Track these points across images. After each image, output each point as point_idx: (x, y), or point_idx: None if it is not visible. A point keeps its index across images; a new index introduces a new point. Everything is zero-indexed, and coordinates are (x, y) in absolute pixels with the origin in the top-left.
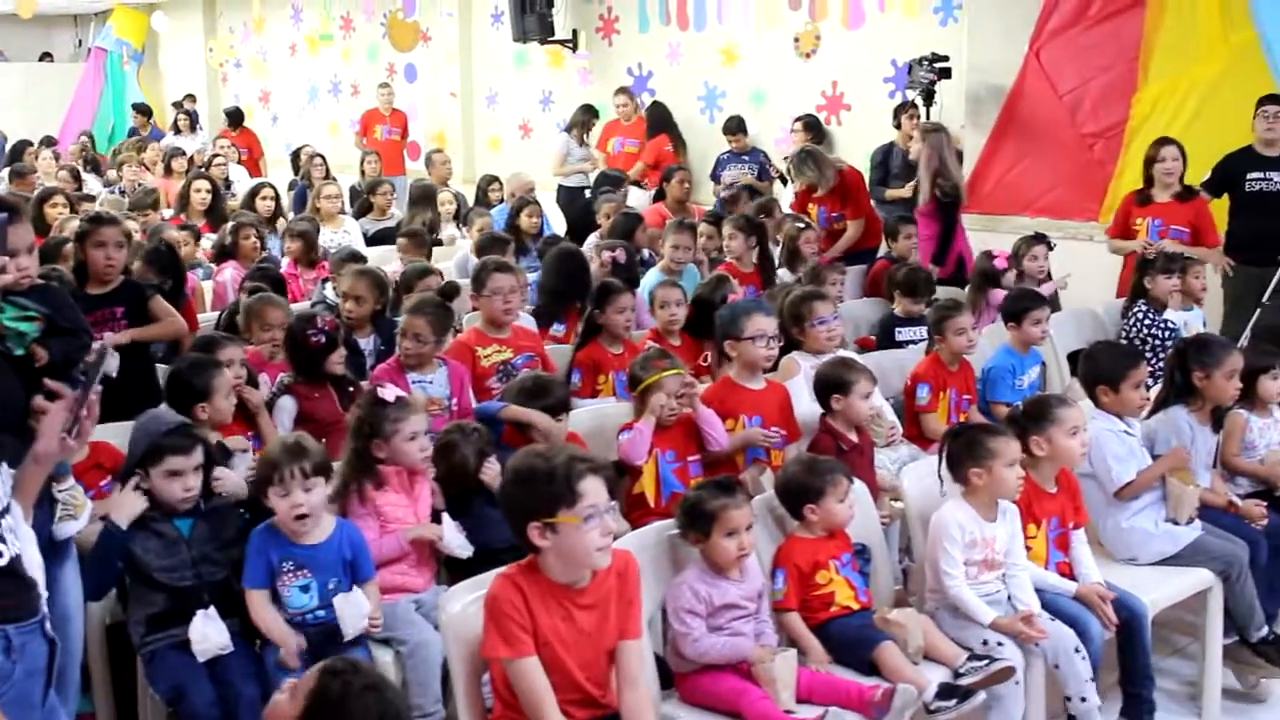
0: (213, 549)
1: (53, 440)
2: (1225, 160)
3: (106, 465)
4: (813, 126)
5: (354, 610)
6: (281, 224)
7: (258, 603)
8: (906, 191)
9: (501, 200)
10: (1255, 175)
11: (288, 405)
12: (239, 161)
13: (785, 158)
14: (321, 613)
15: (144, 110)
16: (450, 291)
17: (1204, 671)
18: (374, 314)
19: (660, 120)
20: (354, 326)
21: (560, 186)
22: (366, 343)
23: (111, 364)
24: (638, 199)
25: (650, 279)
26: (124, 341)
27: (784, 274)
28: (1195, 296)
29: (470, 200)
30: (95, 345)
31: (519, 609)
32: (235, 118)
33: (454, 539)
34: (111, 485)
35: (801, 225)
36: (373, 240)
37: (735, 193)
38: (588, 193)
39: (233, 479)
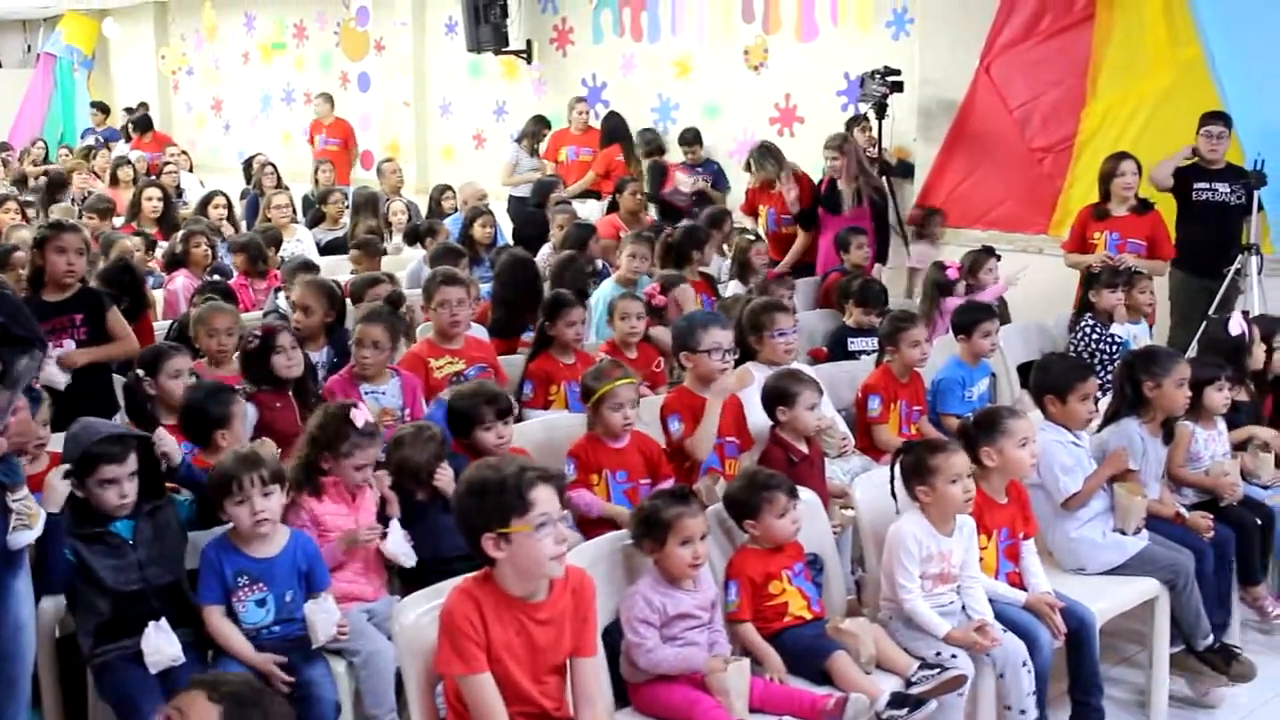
0: (158, 551)
1: None
2: (1177, 168)
3: None
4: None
5: (325, 617)
6: (228, 229)
7: (215, 619)
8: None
9: (455, 210)
10: (1201, 185)
11: (248, 414)
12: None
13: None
14: (278, 628)
15: (103, 108)
16: (396, 300)
17: (1151, 679)
18: (326, 326)
19: (614, 131)
20: (306, 338)
21: (511, 196)
22: (319, 355)
23: (58, 378)
24: (590, 210)
25: (605, 290)
26: (81, 363)
27: (735, 285)
28: (1141, 311)
29: (424, 209)
30: (53, 353)
31: (473, 624)
32: (143, 124)
33: (399, 547)
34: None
35: (751, 238)
36: (325, 250)
37: (685, 200)
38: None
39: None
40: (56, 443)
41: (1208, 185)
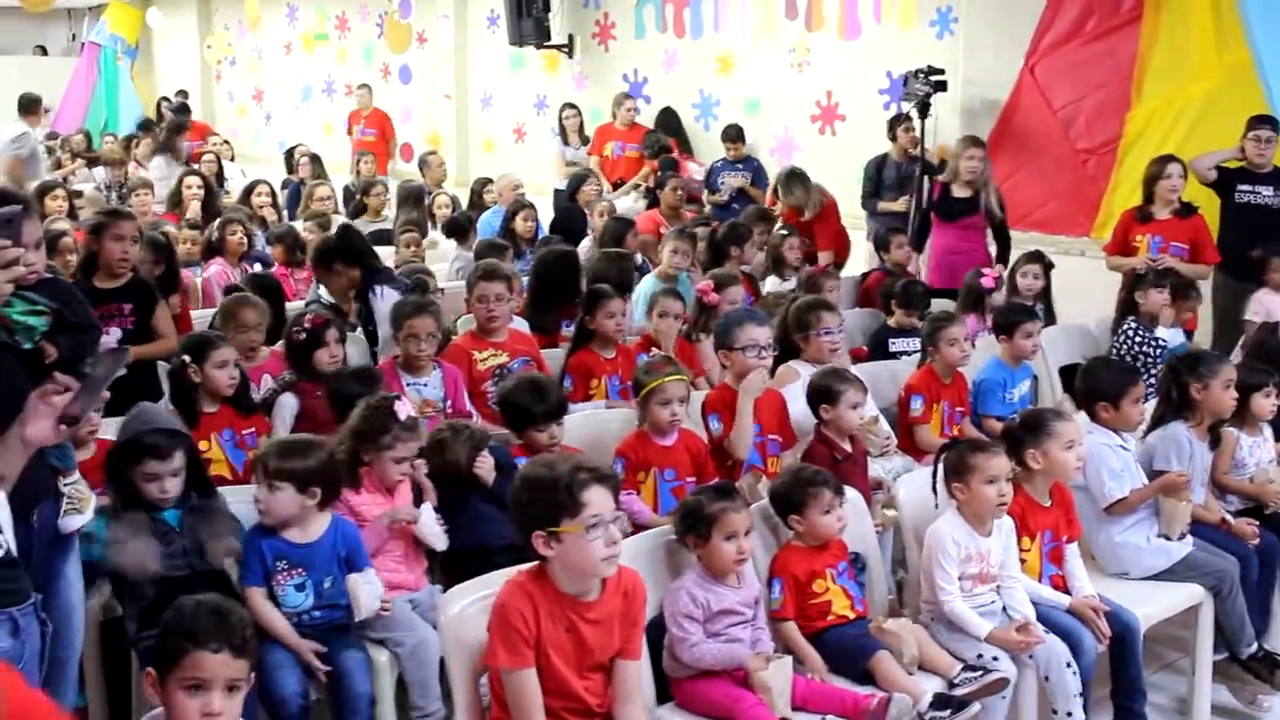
0: (206, 540)
1: (48, 427)
2: (1220, 169)
3: None
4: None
5: (369, 589)
6: (271, 216)
7: (257, 600)
8: (899, 205)
9: (495, 203)
10: (1245, 187)
11: (289, 403)
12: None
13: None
14: (318, 613)
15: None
16: (421, 284)
17: (1194, 687)
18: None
19: (667, 127)
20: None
21: (556, 190)
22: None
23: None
24: (627, 206)
25: (646, 285)
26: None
27: (773, 281)
28: (1180, 319)
29: (465, 203)
30: (110, 343)
31: (525, 619)
32: (182, 113)
33: (431, 529)
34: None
35: (784, 233)
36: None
37: (699, 188)
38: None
39: None
40: (107, 429)
41: (1251, 188)
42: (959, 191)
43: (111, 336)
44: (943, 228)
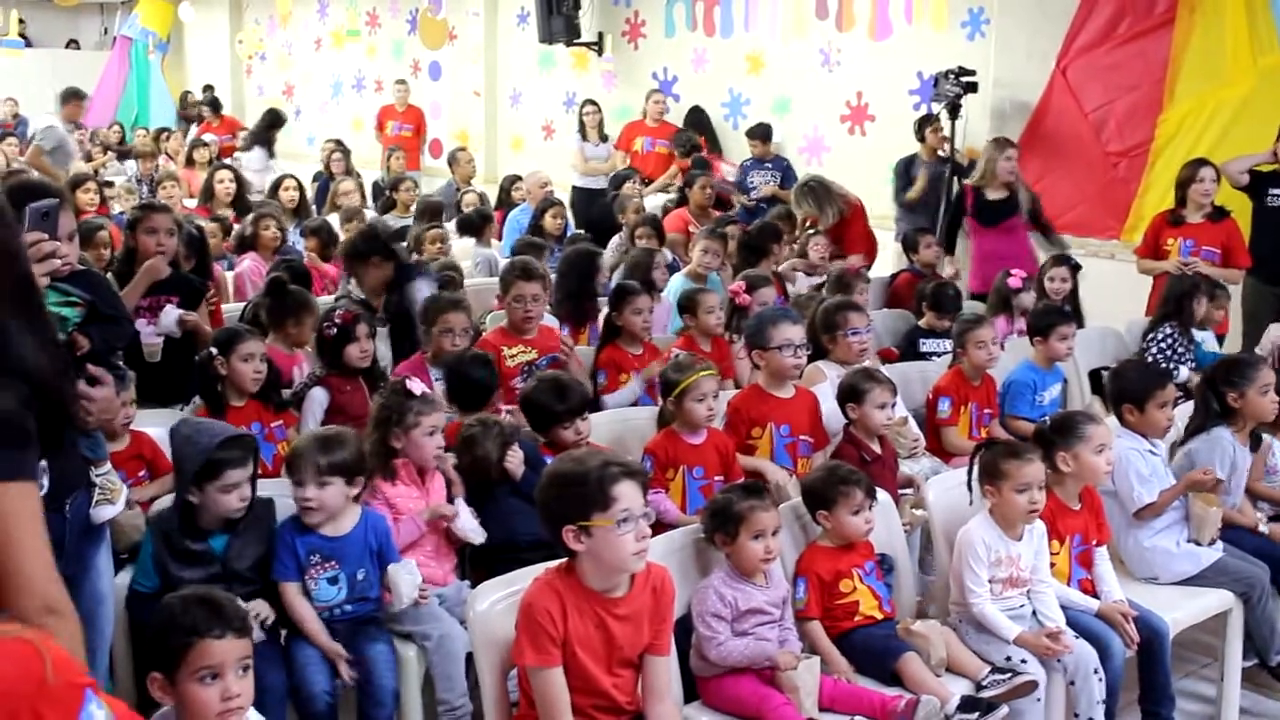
0: (244, 567)
1: None
2: (1253, 173)
3: (146, 455)
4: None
5: (409, 578)
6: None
7: (291, 596)
8: (915, 191)
9: (523, 200)
10: (1276, 191)
11: (319, 397)
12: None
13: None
14: (350, 607)
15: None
16: (448, 281)
17: (1222, 694)
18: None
19: (698, 124)
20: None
21: (574, 186)
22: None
23: (175, 329)
24: (654, 204)
25: (676, 284)
26: (190, 325)
27: (803, 279)
28: (1214, 323)
29: (492, 199)
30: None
31: (553, 617)
32: (215, 105)
33: (468, 524)
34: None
35: (811, 231)
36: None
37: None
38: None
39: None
40: (140, 420)
41: None
42: (994, 194)
43: (170, 316)
44: (984, 233)
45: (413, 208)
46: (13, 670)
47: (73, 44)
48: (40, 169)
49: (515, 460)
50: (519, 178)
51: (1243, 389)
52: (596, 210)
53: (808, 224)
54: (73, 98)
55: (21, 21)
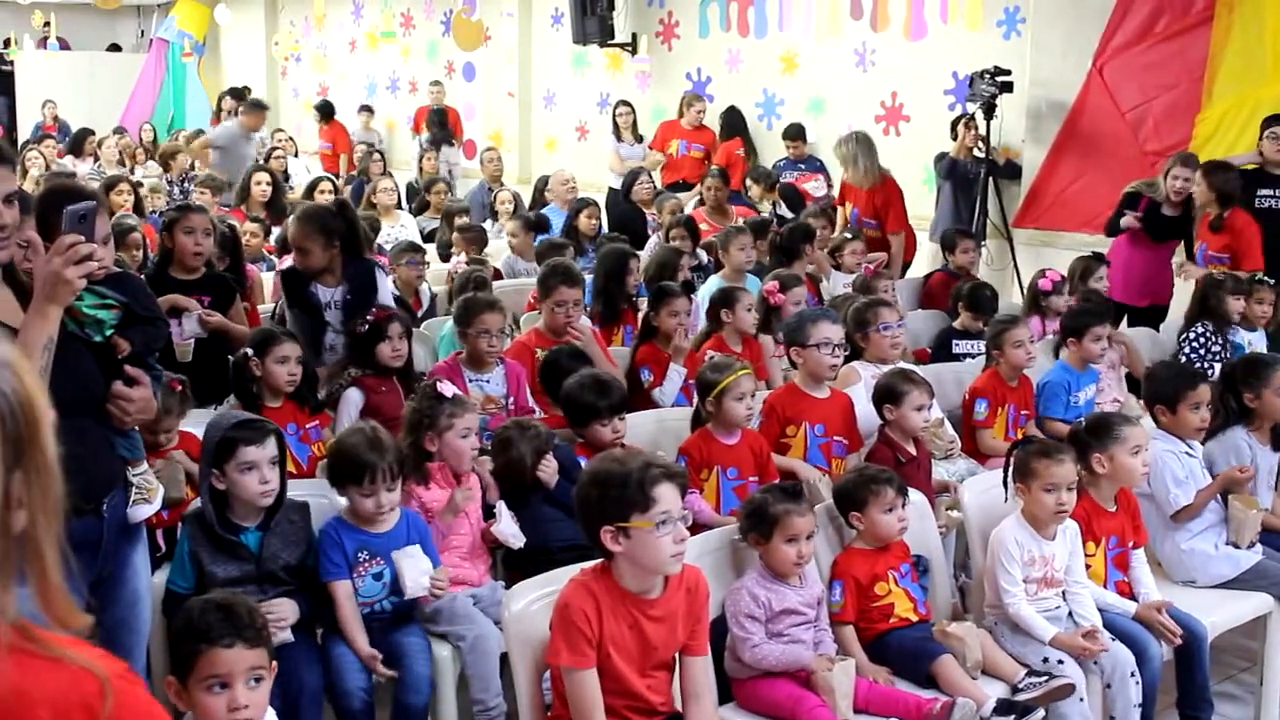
0: (279, 567)
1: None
2: (1241, 174)
3: (192, 455)
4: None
5: (411, 562)
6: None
7: (343, 596)
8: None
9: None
10: (1265, 192)
11: (354, 398)
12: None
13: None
14: (388, 604)
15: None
16: (480, 282)
17: (1261, 698)
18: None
19: (733, 125)
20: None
21: (610, 189)
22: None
23: (198, 330)
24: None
25: (712, 284)
26: (214, 325)
27: (838, 279)
28: (1257, 319)
29: (527, 200)
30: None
31: (589, 620)
32: (325, 111)
33: (509, 527)
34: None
35: (849, 235)
36: (428, 238)
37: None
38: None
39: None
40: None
41: (1271, 192)
42: (1169, 211)
43: (190, 320)
44: (1143, 246)
45: None
46: (68, 699)
47: (114, 48)
48: (204, 160)
49: (549, 470)
50: None
51: (1259, 389)
52: (617, 212)
53: (845, 228)
54: (255, 108)
55: (46, 25)
